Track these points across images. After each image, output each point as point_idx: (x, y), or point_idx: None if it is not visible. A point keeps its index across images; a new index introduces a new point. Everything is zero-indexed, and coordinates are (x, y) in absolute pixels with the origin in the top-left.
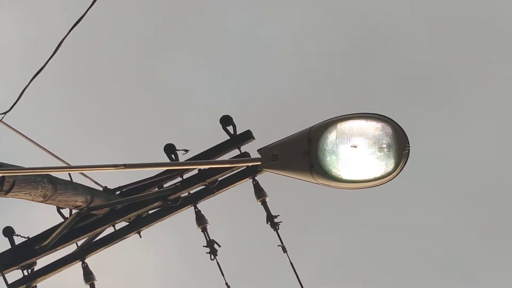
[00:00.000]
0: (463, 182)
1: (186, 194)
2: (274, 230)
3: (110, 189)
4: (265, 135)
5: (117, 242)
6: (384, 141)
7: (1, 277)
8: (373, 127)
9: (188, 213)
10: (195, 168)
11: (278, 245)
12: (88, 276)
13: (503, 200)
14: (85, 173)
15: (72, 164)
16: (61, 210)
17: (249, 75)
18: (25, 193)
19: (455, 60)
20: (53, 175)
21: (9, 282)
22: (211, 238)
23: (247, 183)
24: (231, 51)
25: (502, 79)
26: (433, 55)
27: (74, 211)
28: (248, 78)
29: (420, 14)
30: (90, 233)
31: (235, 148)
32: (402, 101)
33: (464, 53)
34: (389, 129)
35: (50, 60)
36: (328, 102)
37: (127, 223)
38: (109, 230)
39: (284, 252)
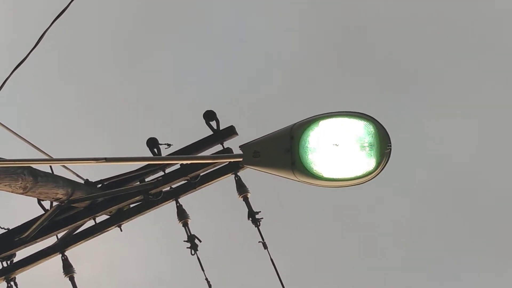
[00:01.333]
0: (441, 177)
1: (168, 188)
2: (255, 226)
3: (91, 182)
4: (249, 130)
5: (98, 235)
6: (366, 140)
7: None
8: (355, 126)
9: (169, 207)
10: (177, 163)
11: (259, 241)
12: (68, 268)
13: (482, 198)
14: (66, 166)
15: (54, 157)
16: (42, 202)
17: (233, 68)
18: (5, 185)
19: (433, 56)
20: (34, 167)
21: None
22: (192, 233)
23: (230, 179)
24: (216, 43)
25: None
26: (416, 50)
27: (54, 203)
28: (232, 72)
29: (403, 7)
30: (70, 226)
31: (218, 144)
32: (386, 97)
33: (443, 48)
34: (371, 128)
35: (34, 51)
36: (312, 98)
37: (108, 216)
38: (90, 223)
39: (265, 249)
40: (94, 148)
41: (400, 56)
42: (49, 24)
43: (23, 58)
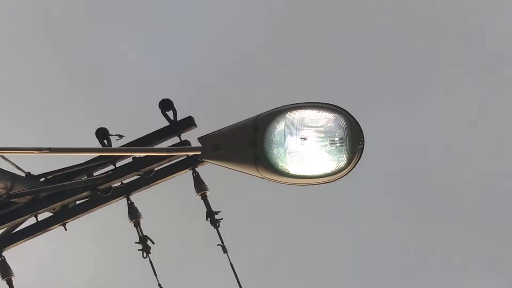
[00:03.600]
0: (415, 174)
1: (119, 184)
2: (214, 228)
3: (33, 175)
4: (209, 122)
5: (40, 234)
6: (336, 134)
7: None
8: (325, 119)
9: (119, 205)
10: (129, 156)
11: (218, 244)
12: (6, 271)
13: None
14: (5, 156)
15: None
16: None
17: (189, 51)
18: None
19: (407, 39)
20: None
21: None
22: (144, 233)
23: (187, 175)
24: (165, 24)
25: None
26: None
27: None
28: (191, 54)
29: None
30: (9, 224)
31: (174, 136)
32: (357, 87)
33: (417, 31)
34: (342, 121)
35: None
36: (277, 86)
37: (51, 214)
38: (31, 220)
39: (224, 252)
40: (37, 137)
41: (373, 42)
42: None
43: None
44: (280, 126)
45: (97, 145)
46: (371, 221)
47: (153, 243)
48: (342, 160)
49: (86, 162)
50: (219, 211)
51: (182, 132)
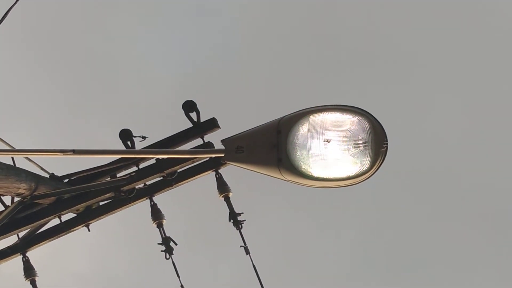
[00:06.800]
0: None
1: (142, 185)
2: (237, 229)
3: (57, 176)
4: (232, 124)
5: (63, 235)
6: (360, 137)
7: None
8: (348, 121)
9: (142, 206)
10: (152, 158)
11: (241, 246)
12: (29, 271)
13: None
14: (30, 158)
15: (16, 147)
16: (2, 197)
17: (216, 50)
18: None
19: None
20: None
21: None
22: (167, 234)
23: (210, 176)
24: (190, 20)
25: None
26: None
27: (16, 199)
28: (214, 55)
29: None
30: (33, 224)
31: (197, 137)
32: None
33: (425, 25)
34: (366, 124)
35: None
36: (302, 88)
37: (75, 215)
38: (55, 221)
39: (247, 254)
40: (61, 139)
41: (396, 44)
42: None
43: None
44: (303, 129)
45: (121, 146)
46: (389, 221)
47: (176, 244)
48: (366, 163)
49: (109, 163)
50: (242, 213)
51: (205, 134)
